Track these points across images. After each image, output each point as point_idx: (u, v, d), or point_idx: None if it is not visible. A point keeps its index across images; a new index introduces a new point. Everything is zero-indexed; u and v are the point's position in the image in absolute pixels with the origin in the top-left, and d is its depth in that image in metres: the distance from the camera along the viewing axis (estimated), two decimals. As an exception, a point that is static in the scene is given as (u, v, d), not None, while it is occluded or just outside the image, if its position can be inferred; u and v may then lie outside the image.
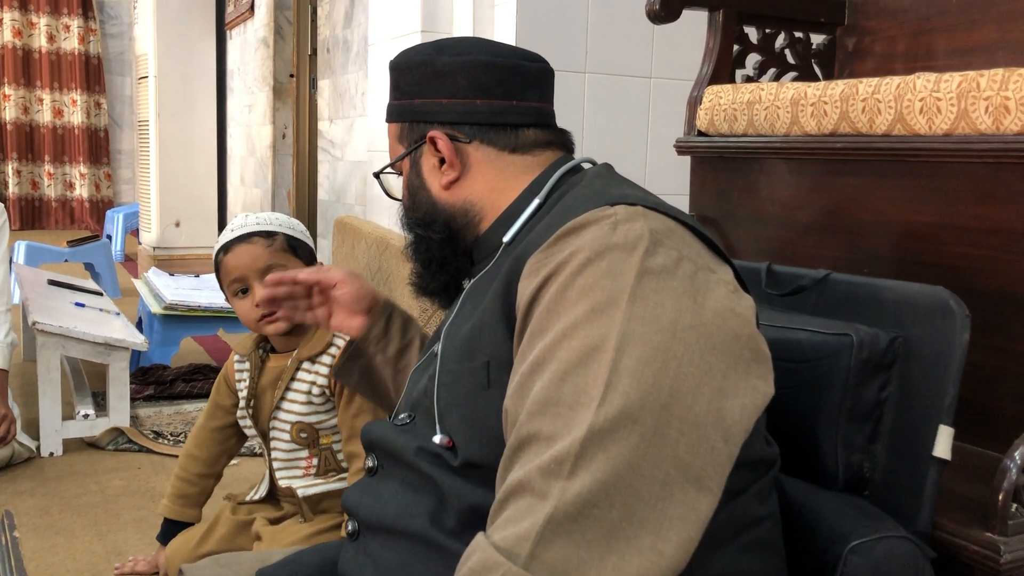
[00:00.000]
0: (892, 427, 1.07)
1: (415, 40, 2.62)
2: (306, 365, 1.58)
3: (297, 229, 1.62)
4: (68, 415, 2.57)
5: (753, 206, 1.64)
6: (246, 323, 1.57)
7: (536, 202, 0.98)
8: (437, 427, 0.90)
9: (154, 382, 3.05)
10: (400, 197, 1.10)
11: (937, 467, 1.02)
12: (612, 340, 0.73)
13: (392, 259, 2.53)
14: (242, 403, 1.63)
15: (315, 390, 1.57)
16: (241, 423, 1.65)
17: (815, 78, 1.88)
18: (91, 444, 2.55)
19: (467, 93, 1.02)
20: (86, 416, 2.59)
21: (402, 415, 0.99)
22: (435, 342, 1.02)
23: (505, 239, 0.98)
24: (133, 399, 2.87)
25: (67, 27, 7.76)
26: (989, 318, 1.18)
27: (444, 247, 1.05)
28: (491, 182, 1.03)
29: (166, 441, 2.58)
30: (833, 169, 1.47)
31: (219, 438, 1.69)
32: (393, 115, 1.08)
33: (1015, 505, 1.01)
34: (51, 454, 2.47)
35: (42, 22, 7.68)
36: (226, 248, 1.55)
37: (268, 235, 1.55)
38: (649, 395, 0.72)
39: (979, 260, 1.25)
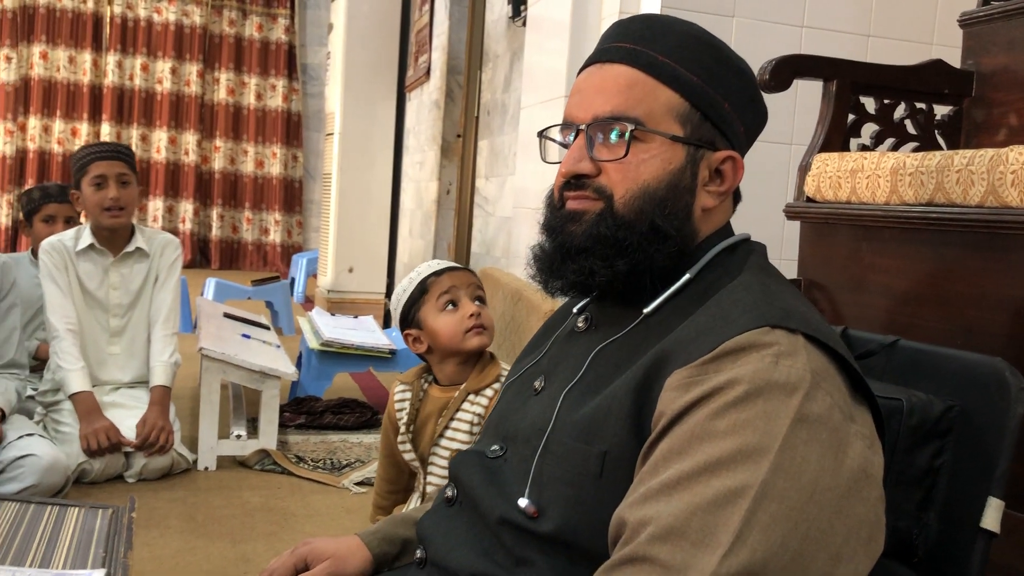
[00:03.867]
0: (945, 496, 1.06)
1: (560, 105, 2.77)
2: (471, 397, 1.73)
3: None
4: (224, 434, 2.84)
5: (855, 273, 1.64)
6: (450, 337, 1.74)
7: (687, 277, 0.95)
8: (527, 489, 0.92)
9: (306, 412, 3.29)
10: (621, 159, 0.94)
11: (985, 539, 1.00)
12: (754, 489, 0.74)
13: (523, 310, 2.65)
14: (402, 428, 1.79)
15: (475, 419, 1.72)
16: (400, 447, 1.80)
17: (938, 149, 1.86)
18: (241, 463, 2.79)
19: (750, 133, 1.02)
20: (239, 436, 2.85)
21: (494, 446, 1.02)
22: (538, 375, 1.03)
23: (646, 310, 0.95)
24: (286, 426, 3.12)
25: (273, 87, 8.54)
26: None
27: (655, 260, 0.94)
28: (716, 227, 1.00)
29: (306, 466, 2.79)
30: (930, 239, 1.47)
31: (396, 462, 1.88)
32: (690, 91, 0.95)
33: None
34: (206, 468, 2.73)
35: (252, 82, 8.48)
36: (438, 273, 1.78)
37: (472, 271, 1.85)
38: (774, 556, 0.73)
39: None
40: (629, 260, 0.93)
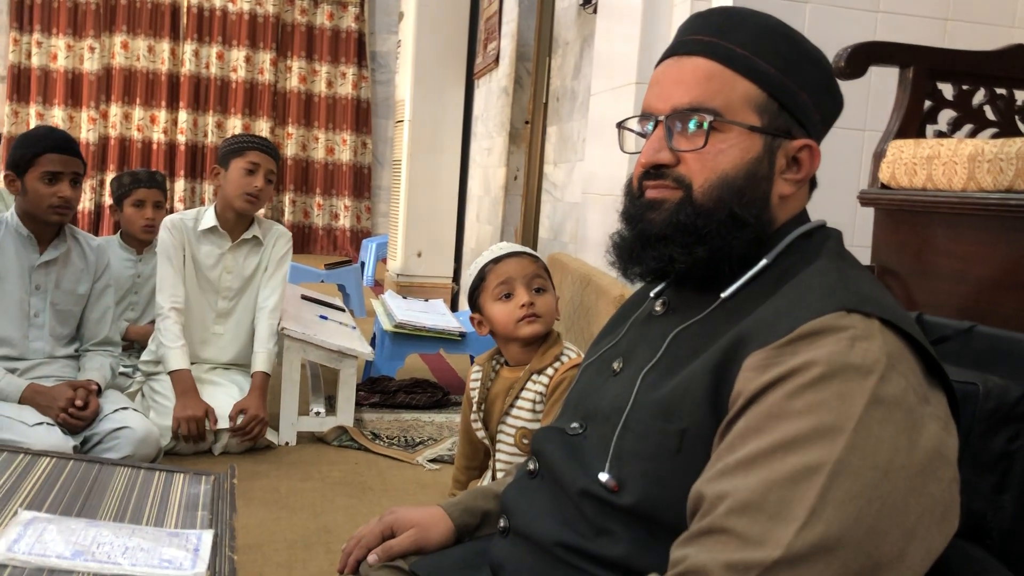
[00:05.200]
0: (1021, 479, 1.07)
1: (630, 92, 2.79)
2: (534, 376, 1.80)
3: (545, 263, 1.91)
4: (304, 412, 2.95)
5: (931, 260, 1.64)
6: (504, 326, 1.81)
7: (764, 262, 0.98)
8: (607, 464, 0.97)
9: (380, 391, 3.39)
10: (697, 147, 0.97)
11: (1061, 523, 1.02)
12: (829, 466, 0.77)
13: (592, 295, 2.69)
14: (474, 407, 1.87)
15: (537, 398, 1.78)
16: (473, 425, 1.89)
17: (1020, 135, 1.84)
18: (319, 439, 2.90)
19: (826, 121, 1.04)
20: (318, 414, 2.96)
21: (574, 423, 1.06)
22: (616, 356, 1.08)
23: (723, 295, 0.98)
24: (360, 404, 3.23)
25: (343, 74, 8.68)
26: None
27: (734, 247, 0.97)
28: (792, 213, 1.03)
29: (382, 443, 2.88)
30: (1009, 226, 1.46)
31: (472, 439, 1.95)
32: (766, 81, 0.98)
33: None
34: (287, 443, 2.84)
35: (323, 70, 8.64)
36: (496, 260, 1.83)
37: (534, 256, 1.86)
38: (848, 530, 0.76)
39: None
40: (708, 247, 0.97)
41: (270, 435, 2.79)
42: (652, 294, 1.13)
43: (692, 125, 0.98)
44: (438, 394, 3.44)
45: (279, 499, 2.37)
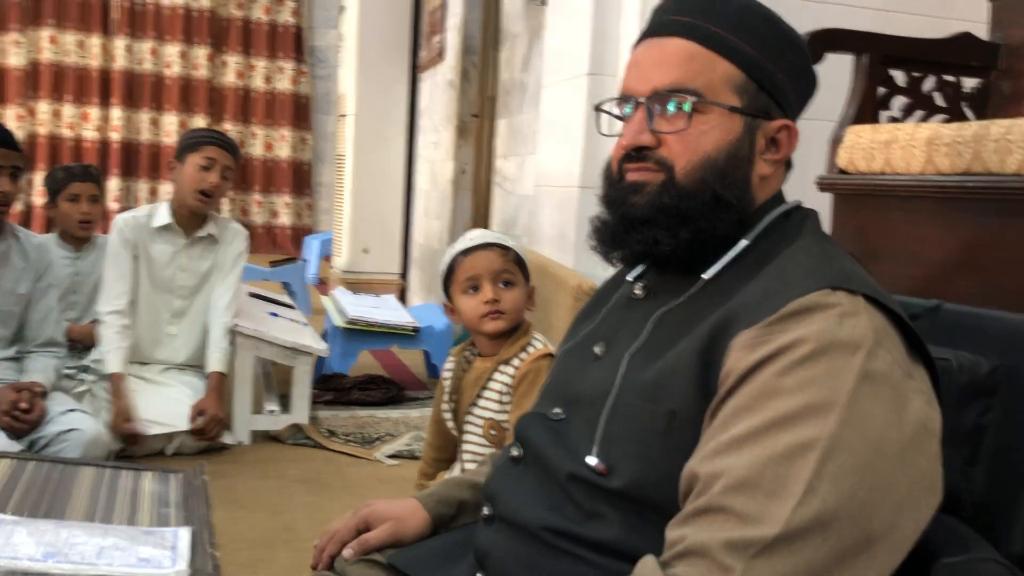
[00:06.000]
0: (993, 452, 1.10)
1: (582, 83, 2.80)
2: (501, 367, 1.78)
3: (522, 251, 1.86)
4: (257, 410, 2.90)
5: (890, 243, 1.68)
6: (469, 320, 1.79)
7: (744, 243, 0.99)
8: (595, 448, 0.96)
9: (333, 389, 3.35)
10: (679, 129, 0.97)
11: (1033, 492, 1.04)
12: (823, 442, 0.78)
13: (549, 285, 2.69)
14: (446, 397, 1.85)
15: (504, 389, 1.76)
16: (444, 415, 1.87)
17: (966, 121, 1.90)
18: (274, 437, 2.85)
19: (801, 101, 1.05)
20: (272, 412, 2.91)
21: (556, 409, 1.05)
22: (597, 341, 1.06)
23: (706, 276, 0.98)
24: (314, 402, 3.18)
25: (281, 69, 8.52)
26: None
27: (718, 228, 0.97)
28: (770, 194, 1.03)
29: (338, 440, 2.85)
30: (967, 208, 1.50)
31: (443, 430, 1.91)
32: (746, 62, 0.98)
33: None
34: (240, 443, 2.79)
35: (260, 64, 8.47)
36: (466, 252, 1.79)
37: (504, 248, 1.81)
38: (843, 505, 0.77)
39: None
40: (692, 229, 0.97)
41: (224, 435, 2.73)
42: (630, 278, 1.13)
43: (672, 106, 0.97)
44: (393, 390, 3.41)
45: (237, 499, 2.32)
